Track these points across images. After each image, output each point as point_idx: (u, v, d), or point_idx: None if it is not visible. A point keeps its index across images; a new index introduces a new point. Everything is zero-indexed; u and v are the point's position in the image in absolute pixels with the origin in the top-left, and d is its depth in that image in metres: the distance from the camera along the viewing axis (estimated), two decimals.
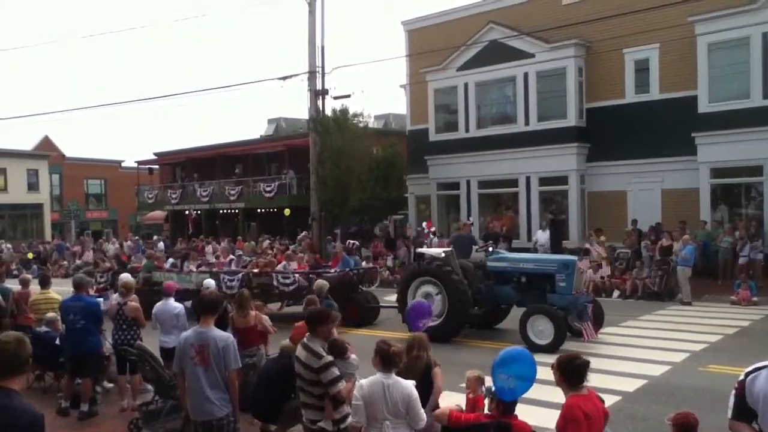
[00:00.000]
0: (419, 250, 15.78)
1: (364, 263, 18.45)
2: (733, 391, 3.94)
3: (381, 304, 16.12)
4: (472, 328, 13.74)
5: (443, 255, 13.44)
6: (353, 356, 6.38)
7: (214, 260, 19.82)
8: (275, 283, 15.49)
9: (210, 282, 11.83)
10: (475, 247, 14.81)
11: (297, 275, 15.46)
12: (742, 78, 20.01)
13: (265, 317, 8.87)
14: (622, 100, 22.93)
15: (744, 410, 3.85)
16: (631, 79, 22.78)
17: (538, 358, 10.15)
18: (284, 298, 16.20)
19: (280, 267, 16.37)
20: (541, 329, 11.94)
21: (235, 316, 8.42)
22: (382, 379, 5.08)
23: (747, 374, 3.89)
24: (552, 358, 10.87)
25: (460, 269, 13.38)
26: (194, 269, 17.71)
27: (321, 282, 10.66)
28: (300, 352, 5.76)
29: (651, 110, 22.09)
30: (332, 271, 15.92)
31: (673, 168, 21.73)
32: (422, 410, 5.08)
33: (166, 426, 7.79)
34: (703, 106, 20.56)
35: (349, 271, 16.20)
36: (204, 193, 36.19)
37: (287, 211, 31.75)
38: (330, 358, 5.72)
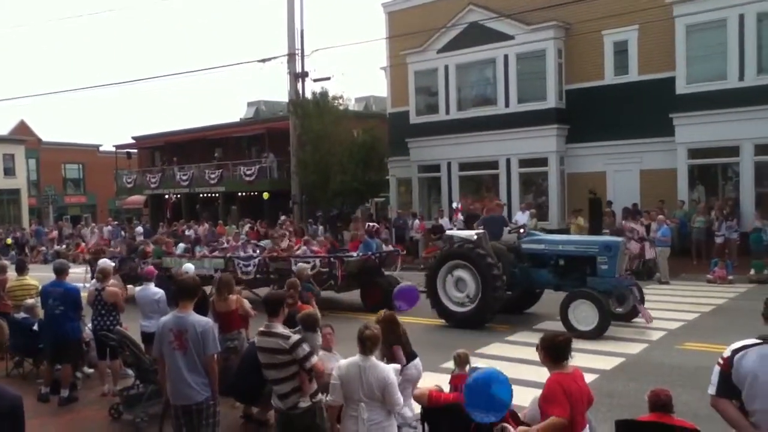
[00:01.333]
0: (448, 232, 14.86)
1: (384, 246, 17.43)
2: (717, 368, 3.91)
3: None
4: (501, 312, 13.03)
5: (475, 237, 12.68)
6: (328, 332, 6.72)
7: (226, 245, 18.89)
8: (294, 268, 14.78)
9: (189, 266, 11.78)
10: (506, 228, 13.97)
11: (317, 260, 14.98)
12: (719, 59, 20.17)
13: (245, 301, 8.86)
14: (602, 82, 23.03)
15: (728, 387, 3.84)
16: (610, 61, 22.86)
17: (581, 344, 10.18)
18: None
19: (299, 252, 15.83)
20: (585, 315, 11.39)
21: (215, 301, 8.41)
22: (359, 361, 5.14)
23: (734, 351, 3.86)
24: (592, 344, 10.96)
25: (493, 252, 12.67)
26: (207, 254, 17.25)
27: (301, 265, 10.71)
28: (263, 340, 5.72)
29: (630, 91, 22.21)
30: (354, 255, 15.42)
31: (651, 149, 21.92)
32: (399, 395, 5.11)
33: (147, 410, 7.79)
34: (681, 88, 20.72)
35: (371, 254, 15.59)
36: (183, 177, 35.93)
37: (266, 195, 31.61)
38: (298, 336, 5.75)
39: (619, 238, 13.26)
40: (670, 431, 4.98)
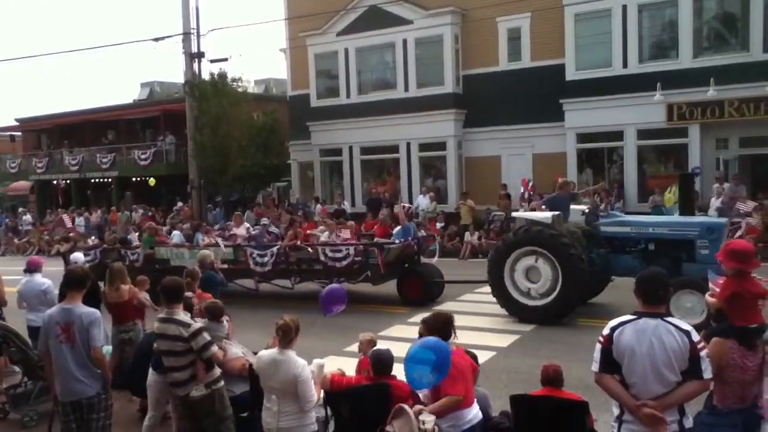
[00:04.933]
0: (514, 214, 13.37)
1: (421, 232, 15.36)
2: (598, 345, 4.15)
3: (447, 279, 13.98)
4: None
5: (550, 219, 11.24)
6: (225, 320, 6.56)
7: (235, 231, 16.10)
8: (322, 257, 13.22)
9: (78, 256, 11.25)
10: (580, 208, 12.45)
11: (350, 248, 13.17)
12: (605, 48, 21.18)
13: (144, 293, 8.58)
14: (496, 68, 23.64)
15: (610, 363, 4.09)
16: (504, 47, 23.49)
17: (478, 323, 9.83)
18: (333, 276, 13.33)
19: (324, 238, 14.19)
20: (689, 306, 10.09)
21: (107, 292, 8.14)
22: (275, 353, 5.15)
23: (613, 328, 4.11)
24: (490, 323, 10.63)
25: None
26: (216, 242, 14.89)
27: (204, 252, 10.44)
28: (163, 327, 5.66)
29: (523, 78, 22.91)
30: (395, 241, 13.63)
31: (543, 133, 22.77)
32: (312, 391, 5.12)
33: (36, 409, 7.45)
34: (570, 74, 21.64)
35: (411, 240, 13.91)
36: (73, 162, 34.23)
37: (152, 181, 30.63)
38: (199, 324, 5.68)
39: (723, 219, 12.05)
40: (559, 404, 5.27)
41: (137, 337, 8.01)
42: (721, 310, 4.92)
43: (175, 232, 16.39)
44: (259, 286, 14.64)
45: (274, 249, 13.73)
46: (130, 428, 7.31)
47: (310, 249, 13.46)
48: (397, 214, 15.91)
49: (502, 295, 11.61)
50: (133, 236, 16.91)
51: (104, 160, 32.99)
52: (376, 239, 14.16)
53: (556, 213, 11.55)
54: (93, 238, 18.18)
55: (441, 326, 5.05)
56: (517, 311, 11.50)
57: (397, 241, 13.61)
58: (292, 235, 14.40)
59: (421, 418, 4.83)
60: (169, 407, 6.60)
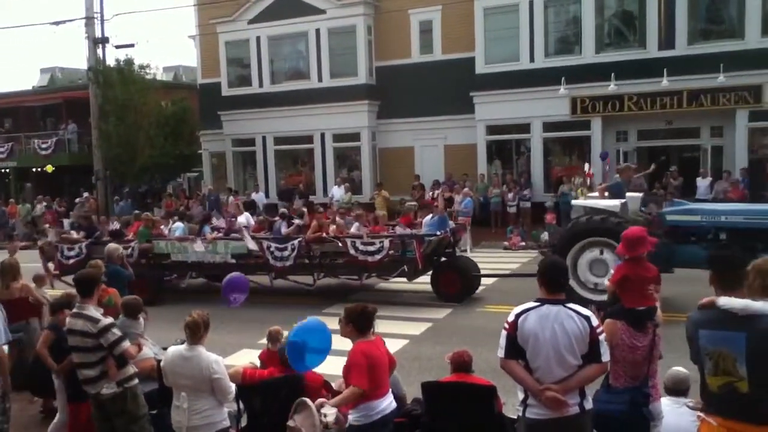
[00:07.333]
0: (574, 202, 12.57)
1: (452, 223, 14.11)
2: (504, 331, 4.25)
3: (484, 273, 13.20)
4: None
5: (618, 207, 10.58)
6: (141, 318, 6.41)
7: (246, 223, 14.60)
8: (352, 251, 12.11)
9: None
10: (638, 195, 11.85)
11: (384, 241, 11.99)
12: (513, 42, 21.75)
13: (40, 289, 8.19)
14: (409, 60, 23.85)
15: (515, 349, 4.20)
16: (416, 40, 23.71)
17: (391, 311, 9.98)
18: (363, 271, 12.41)
19: (353, 229, 13.11)
20: None
21: None
22: (182, 349, 5.04)
23: (517, 315, 4.22)
24: (402, 311, 10.72)
25: None
26: (223, 236, 13.67)
27: (112, 246, 10.06)
28: (73, 322, 5.50)
29: (434, 70, 23.21)
30: (437, 233, 12.42)
31: (454, 125, 23.17)
32: (228, 385, 5.06)
33: None
34: (480, 67, 22.08)
35: (447, 232, 12.70)
36: None
37: (49, 168, 29.17)
38: (108, 320, 5.52)
39: None
40: (469, 389, 5.43)
41: (30, 338, 7.65)
42: (616, 293, 5.21)
43: (179, 225, 15.07)
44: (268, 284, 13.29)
45: (296, 242, 12.53)
46: (31, 430, 7.02)
47: (339, 243, 12.31)
48: (432, 201, 14.98)
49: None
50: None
51: (1, 149, 31.28)
52: (398, 230, 13.24)
53: (623, 200, 11.00)
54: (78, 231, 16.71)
55: (368, 317, 5.06)
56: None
57: (437, 233, 12.45)
58: (315, 226, 12.91)
59: (322, 411, 4.86)
60: None
